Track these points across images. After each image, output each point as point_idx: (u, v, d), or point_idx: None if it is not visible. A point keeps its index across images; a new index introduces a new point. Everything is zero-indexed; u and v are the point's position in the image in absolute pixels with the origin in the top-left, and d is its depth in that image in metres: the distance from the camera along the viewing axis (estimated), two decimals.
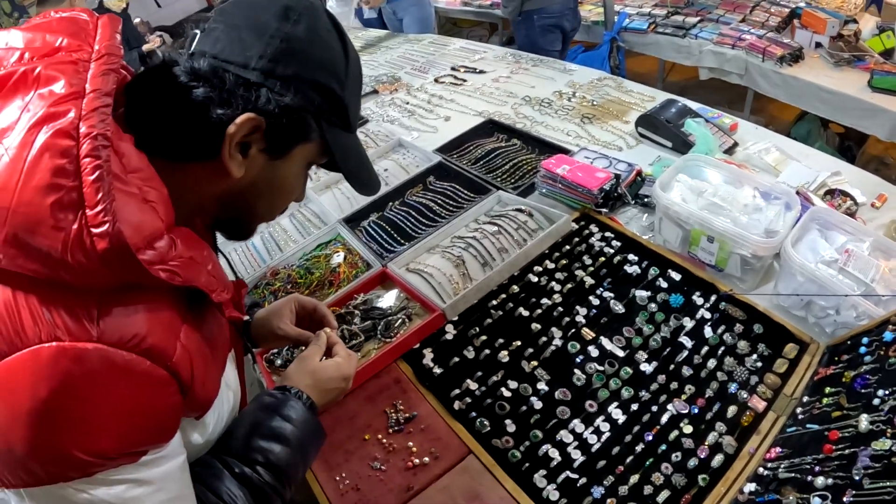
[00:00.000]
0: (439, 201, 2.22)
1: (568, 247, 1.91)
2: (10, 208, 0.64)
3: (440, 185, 2.31)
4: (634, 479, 1.35)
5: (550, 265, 1.86)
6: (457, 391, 1.56)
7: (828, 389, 1.38)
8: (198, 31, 0.84)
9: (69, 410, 0.67)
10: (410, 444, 1.46)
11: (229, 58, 0.80)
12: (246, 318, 1.32)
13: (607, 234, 1.94)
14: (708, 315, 1.67)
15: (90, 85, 0.69)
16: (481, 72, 3.35)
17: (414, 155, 2.58)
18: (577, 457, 1.40)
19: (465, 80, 3.26)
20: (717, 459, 1.36)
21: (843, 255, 1.62)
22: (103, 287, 0.70)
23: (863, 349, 1.40)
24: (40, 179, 0.64)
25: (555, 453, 1.41)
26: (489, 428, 1.47)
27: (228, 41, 0.82)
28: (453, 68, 3.45)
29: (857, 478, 1.09)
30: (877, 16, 4.06)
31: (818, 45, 3.90)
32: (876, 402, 1.21)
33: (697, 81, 4.27)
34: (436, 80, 3.34)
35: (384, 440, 1.48)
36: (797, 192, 1.98)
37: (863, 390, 1.28)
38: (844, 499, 1.07)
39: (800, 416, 1.38)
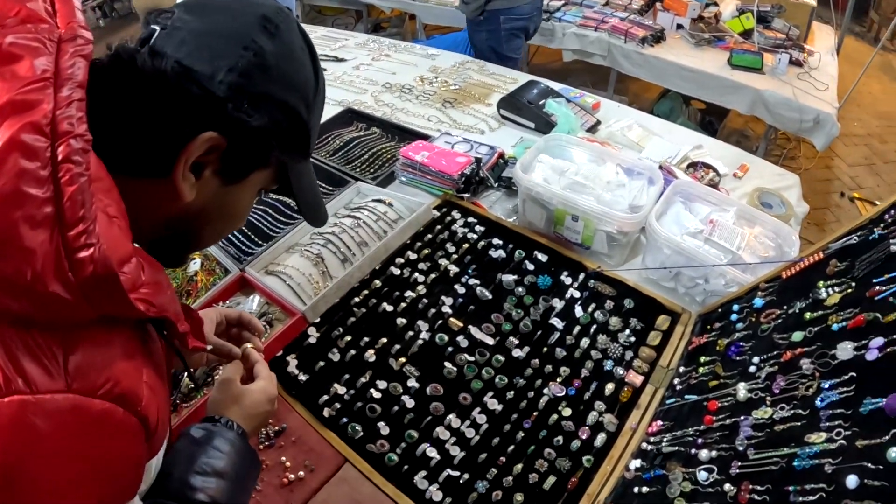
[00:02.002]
0: None
1: (430, 235, 1.91)
2: None
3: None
4: (518, 468, 1.36)
5: (413, 256, 1.85)
6: (325, 397, 1.51)
7: (703, 358, 1.45)
8: (157, 27, 0.74)
9: (37, 476, 0.58)
10: (283, 458, 1.40)
11: (194, 65, 0.72)
12: (209, 347, 1.20)
13: (470, 219, 1.96)
14: (577, 294, 1.72)
15: (62, 71, 0.59)
16: (342, 60, 3.31)
17: None
18: (457, 453, 1.40)
19: (324, 70, 3.18)
20: (600, 439, 1.40)
21: (707, 225, 1.71)
22: (73, 322, 0.61)
23: (734, 316, 1.48)
24: (4, 186, 0.54)
25: (433, 452, 1.40)
26: (362, 433, 1.44)
27: (196, 46, 0.73)
28: None
29: (741, 448, 1.13)
30: None
31: (679, 26, 4.16)
32: (752, 369, 1.27)
33: (562, 64, 4.42)
34: None
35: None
36: (660, 167, 2.09)
37: (737, 357, 1.35)
38: (731, 471, 1.11)
39: (678, 388, 1.45)
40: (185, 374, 1.48)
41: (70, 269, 0.57)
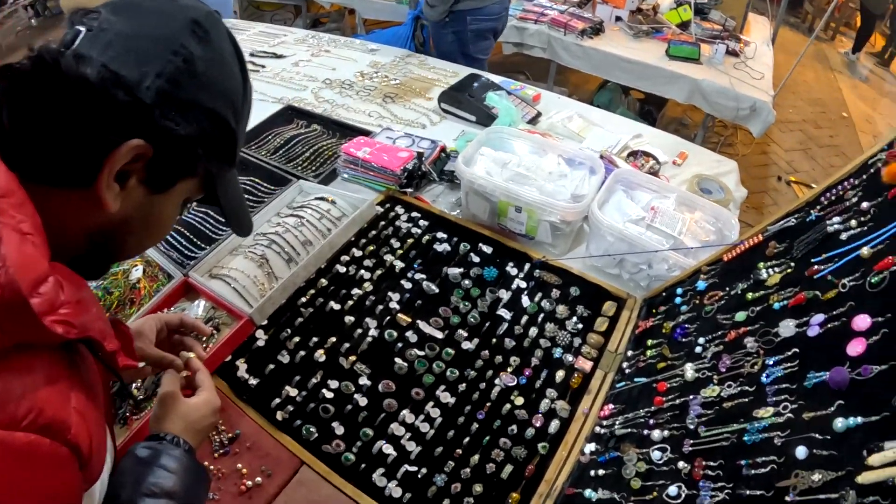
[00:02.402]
0: None
1: (374, 232, 1.91)
2: None
3: (239, 180, 2.21)
4: (475, 459, 1.38)
5: (358, 253, 1.85)
6: (277, 401, 1.50)
7: (650, 342, 1.49)
8: (82, 28, 0.71)
9: None
10: (239, 465, 1.37)
11: (121, 70, 0.68)
12: (142, 363, 1.16)
13: (414, 214, 1.97)
14: (523, 284, 1.75)
15: None
16: (281, 56, 3.27)
17: None
18: (413, 448, 1.40)
19: (263, 66, 3.16)
20: (554, 425, 1.43)
21: (649, 212, 1.76)
22: None
23: (678, 300, 1.53)
24: None
25: (389, 449, 1.40)
26: (317, 434, 1.43)
27: (123, 49, 0.70)
28: (252, 54, 3.33)
29: (692, 427, 1.17)
30: None
31: (618, 18, 4.27)
32: (698, 350, 1.32)
33: (502, 56, 4.47)
34: None
35: (212, 466, 1.38)
36: (601, 156, 2.13)
37: (683, 339, 1.40)
38: (684, 449, 1.15)
39: (627, 371, 1.49)
40: (125, 390, 1.44)
41: None
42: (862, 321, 0.96)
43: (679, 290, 1.56)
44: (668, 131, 2.73)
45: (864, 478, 0.78)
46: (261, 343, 1.62)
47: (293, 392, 1.51)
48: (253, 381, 1.54)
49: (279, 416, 1.47)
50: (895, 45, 8.88)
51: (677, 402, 1.25)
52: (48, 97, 0.66)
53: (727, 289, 1.39)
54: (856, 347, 0.94)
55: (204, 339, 1.57)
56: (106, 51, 0.69)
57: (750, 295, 1.29)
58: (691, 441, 1.14)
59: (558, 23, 4.08)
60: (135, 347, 1.11)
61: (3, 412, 0.57)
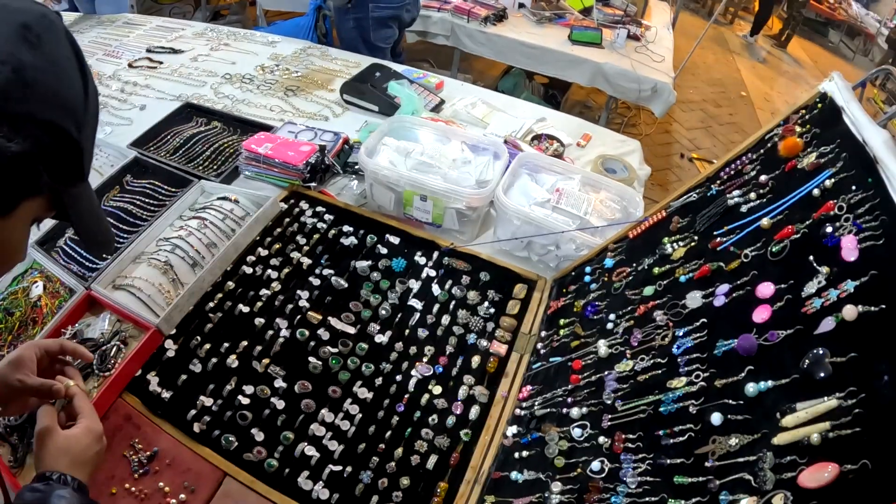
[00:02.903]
0: (139, 202, 2.03)
1: (279, 229, 1.88)
2: None
3: (138, 184, 2.12)
4: (399, 452, 1.38)
5: (263, 252, 1.81)
6: (193, 412, 1.45)
7: (562, 321, 1.52)
8: None
9: None
10: (161, 483, 1.33)
11: None
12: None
13: (319, 208, 1.94)
14: (433, 273, 1.75)
15: None
16: (178, 51, 3.15)
17: (107, 153, 2.33)
18: (336, 447, 1.39)
19: (160, 63, 3.04)
20: (474, 411, 1.45)
21: (554, 194, 1.79)
22: None
23: (587, 278, 1.57)
24: None
25: (311, 450, 1.38)
26: (237, 443, 1.40)
27: None
28: (149, 50, 3.20)
29: (609, 402, 1.20)
30: None
31: (521, 5, 4.33)
32: (609, 326, 1.35)
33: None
34: (129, 66, 3.06)
35: (133, 488, 1.33)
36: (505, 141, 2.16)
37: (595, 317, 1.43)
38: (603, 424, 1.18)
39: (542, 352, 1.51)
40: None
41: None
42: (765, 289, 1.02)
43: (588, 269, 1.60)
44: (572, 114, 2.79)
45: (780, 439, 0.83)
46: (171, 353, 1.57)
47: (208, 402, 1.47)
48: (166, 395, 1.49)
49: (196, 427, 1.43)
50: (791, 27, 9.40)
51: (593, 378, 1.29)
52: None
53: (634, 265, 1.44)
54: (761, 314, 1.00)
55: (90, 363, 1.50)
56: None
57: (657, 269, 1.34)
58: (609, 416, 1.18)
59: (461, 10, 4.10)
60: (17, 378, 1.08)
61: None
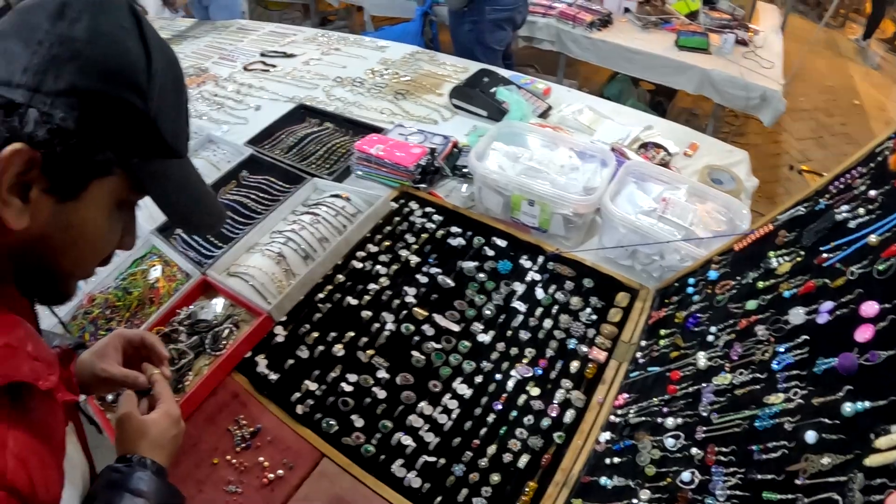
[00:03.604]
0: (254, 196, 2.16)
1: (389, 227, 1.94)
2: None
3: (254, 180, 2.24)
4: (492, 449, 1.40)
5: (373, 248, 1.88)
6: (297, 395, 1.53)
7: (662, 332, 1.50)
8: None
9: None
10: (261, 458, 1.41)
11: None
12: (81, 397, 1.14)
13: (428, 209, 1.99)
14: (538, 277, 1.77)
15: None
16: (291, 55, 3.30)
17: (224, 150, 2.49)
18: (431, 439, 1.43)
19: (274, 66, 3.19)
20: (569, 415, 1.45)
21: (660, 203, 1.77)
22: None
23: (690, 289, 1.54)
24: None
25: (408, 440, 1.43)
26: (337, 427, 1.46)
27: None
28: (262, 54, 3.37)
29: (704, 414, 1.18)
30: None
31: (627, 10, 4.25)
32: (710, 338, 1.33)
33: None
34: (245, 68, 3.24)
35: (234, 460, 1.42)
36: (612, 149, 2.14)
37: (696, 329, 1.41)
38: (697, 436, 1.16)
39: (640, 361, 1.50)
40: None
41: None
42: (870, 308, 0.97)
43: (691, 281, 1.57)
44: (678, 122, 2.73)
45: (872, 460, 0.80)
46: (280, 339, 1.66)
47: (313, 386, 1.54)
48: (273, 377, 1.58)
49: (299, 409, 1.50)
50: None
51: (690, 390, 1.27)
52: None
53: (738, 278, 1.40)
54: (864, 333, 0.95)
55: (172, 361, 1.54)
56: None
57: (761, 284, 1.30)
58: (704, 428, 1.16)
59: (567, 15, 4.08)
60: (101, 368, 1.11)
61: None
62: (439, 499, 1.33)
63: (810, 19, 8.45)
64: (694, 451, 1.14)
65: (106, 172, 0.72)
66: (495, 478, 1.35)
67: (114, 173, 0.73)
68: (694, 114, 4.62)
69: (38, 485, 0.65)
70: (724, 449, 1.09)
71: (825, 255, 1.16)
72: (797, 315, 1.12)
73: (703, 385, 1.24)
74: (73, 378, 0.88)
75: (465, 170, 2.11)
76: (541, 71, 4.68)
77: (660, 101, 4.48)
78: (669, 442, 1.20)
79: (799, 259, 1.25)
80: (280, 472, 1.39)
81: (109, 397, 1.58)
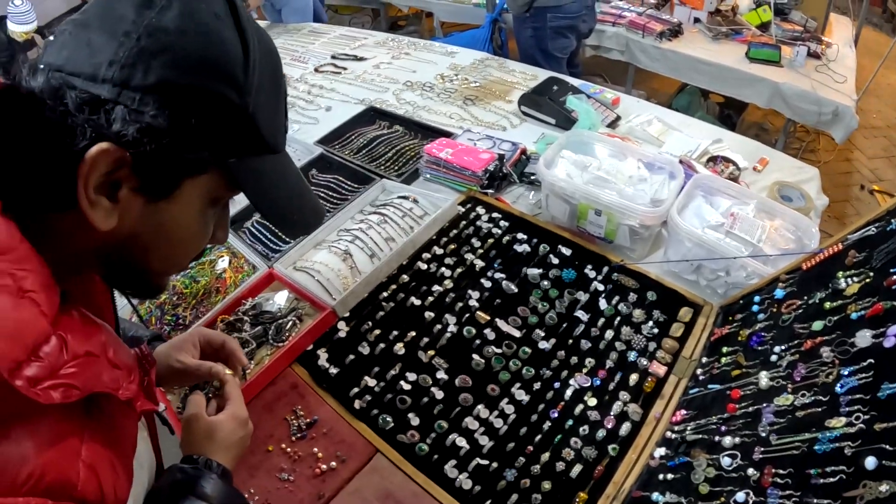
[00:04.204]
0: (322, 194, 2.20)
1: (455, 231, 1.94)
2: None
3: (323, 178, 2.28)
4: (545, 457, 1.39)
5: (439, 251, 1.88)
6: (356, 390, 1.55)
7: (725, 349, 1.47)
8: (51, 38, 0.63)
9: None
10: (315, 449, 1.43)
11: (75, 69, 0.59)
12: (161, 406, 1.13)
13: (494, 214, 1.99)
14: (601, 287, 1.75)
15: None
16: (361, 59, 3.35)
17: (295, 148, 2.54)
18: (486, 442, 1.43)
19: (345, 69, 3.25)
20: (625, 428, 1.43)
21: (728, 218, 1.73)
22: None
23: (755, 307, 1.50)
24: None
25: (462, 441, 1.43)
26: (393, 424, 1.47)
27: (75, 46, 0.60)
28: (333, 57, 3.42)
29: (763, 434, 1.15)
30: None
31: (697, 20, 4.16)
32: (773, 358, 1.29)
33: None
34: (316, 70, 3.30)
35: (288, 449, 1.45)
36: (680, 161, 2.10)
37: (759, 347, 1.37)
38: (754, 456, 1.14)
39: (700, 378, 1.47)
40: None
41: None
42: None
43: (756, 299, 1.53)
44: (747, 136, 2.67)
45: None
46: (342, 334, 1.68)
47: (371, 382, 1.56)
48: (333, 370, 1.60)
49: (357, 404, 1.52)
50: None
51: (750, 409, 1.24)
52: (10, 124, 0.58)
53: (805, 298, 1.36)
54: None
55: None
56: (60, 53, 0.61)
57: (828, 304, 1.26)
58: (762, 448, 1.13)
59: (636, 25, 4.03)
60: (177, 360, 1.11)
61: (2, 479, 0.52)
62: (489, 502, 1.33)
63: (885, 32, 8.09)
64: (750, 471, 1.12)
65: (200, 171, 0.68)
66: (546, 485, 1.34)
67: (208, 171, 0.68)
68: (764, 128, 4.49)
69: (107, 492, 0.63)
70: (781, 471, 1.06)
71: (895, 277, 1.12)
72: (864, 338, 1.09)
73: (764, 405, 1.21)
74: (153, 385, 0.85)
75: (532, 177, 2.10)
76: (609, 81, 4.63)
77: (729, 114, 4.37)
78: (726, 461, 1.17)
79: (868, 280, 1.21)
80: (333, 463, 1.41)
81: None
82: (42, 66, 0.60)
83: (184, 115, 0.62)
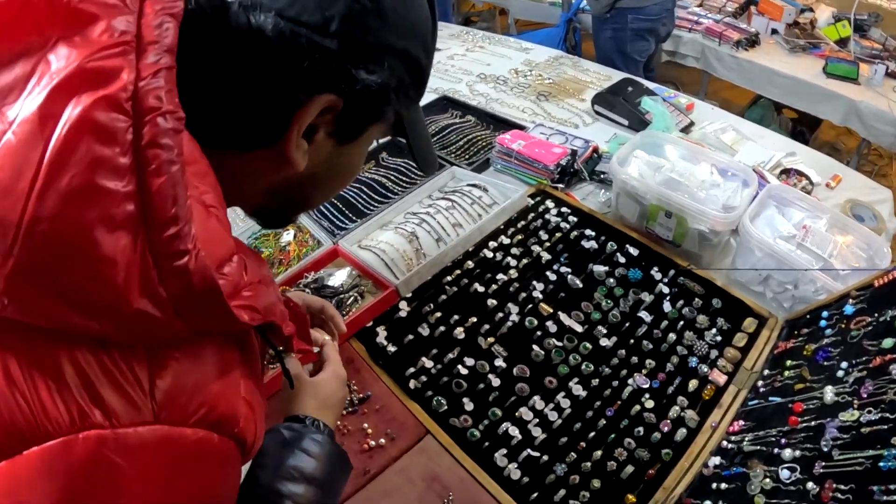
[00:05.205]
0: (392, 177, 2.20)
1: (523, 222, 1.92)
2: (22, 226, 0.41)
3: (393, 162, 2.29)
4: (597, 454, 1.37)
5: (506, 241, 1.86)
6: (412, 370, 1.54)
7: (788, 363, 1.43)
8: None
9: None
10: (366, 425, 1.43)
11: (301, 17, 0.57)
12: (315, 348, 1.12)
13: (563, 209, 1.96)
14: (666, 290, 1.71)
15: (146, 34, 0.46)
16: (436, 49, 3.34)
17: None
18: (538, 434, 1.41)
19: None
20: (680, 433, 1.40)
21: (800, 230, 1.68)
22: (160, 341, 0.51)
23: (823, 323, 1.46)
24: (74, 179, 0.42)
25: (515, 431, 1.41)
26: (446, 407, 1.46)
27: None
28: None
29: (825, 449, 1.12)
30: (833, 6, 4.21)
31: (774, 31, 4.03)
32: (840, 374, 1.26)
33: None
34: None
35: (339, 422, 1.43)
36: (753, 171, 2.04)
37: (825, 363, 1.33)
38: (814, 470, 1.10)
39: (761, 390, 1.43)
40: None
41: (160, 282, 0.46)
42: None
43: (825, 314, 1.48)
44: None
45: None
46: (403, 314, 1.67)
47: (429, 364, 1.55)
48: (391, 349, 1.59)
49: (412, 384, 1.51)
50: None
51: (812, 423, 1.21)
52: (217, 55, 0.57)
53: (876, 314, 1.32)
54: None
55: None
56: None
57: None
58: (823, 463, 1.10)
59: (713, 32, 3.92)
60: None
61: (173, 408, 0.50)
62: (535, 494, 1.31)
63: None
64: (810, 485, 1.09)
65: (384, 119, 0.72)
66: (595, 483, 1.32)
67: (387, 119, 0.72)
68: (836, 148, 4.33)
69: (259, 434, 0.63)
70: (842, 486, 1.03)
71: None
72: None
73: (828, 420, 1.17)
74: (307, 326, 0.89)
75: (602, 175, 2.07)
76: (682, 89, 4.53)
77: (802, 130, 4.23)
78: (784, 473, 1.14)
79: None
80: (382, 440, 1.40)
81: None
82: (257, 5, 0.57)
83: (392, 73, 0.65)
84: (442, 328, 1.63)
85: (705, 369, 1.52)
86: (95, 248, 0.43)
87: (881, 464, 1.00)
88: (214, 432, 0.54)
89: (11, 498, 0.44)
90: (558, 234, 1.88)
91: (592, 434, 1.41)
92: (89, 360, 0.47)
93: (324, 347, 1.12)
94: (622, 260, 1.79)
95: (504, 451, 1.38)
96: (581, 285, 1.73)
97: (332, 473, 0.92)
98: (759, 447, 1.26)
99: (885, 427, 1.05)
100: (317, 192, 0.78)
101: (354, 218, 2.03)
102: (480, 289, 1.73)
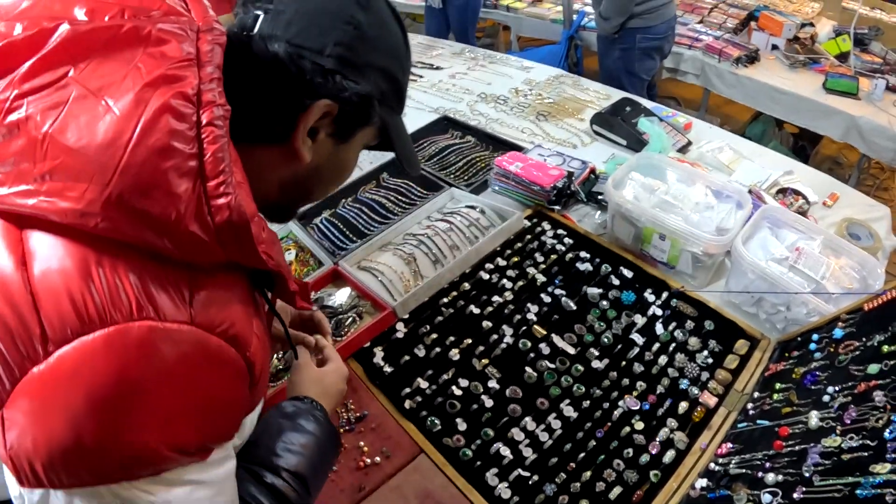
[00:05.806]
0: (392, 198, 2.22)
1: (520, 244, 1.94)
2: (119, 168, 0.59)
3: (393, 182, 2.31)
4: (586, 475, 1.37)
5: (502, 262, 1.88)
6: (407, 390, 1.56)
7: (778, 385, 1.42)
8: (260, 12, 0.80)
9: (157, 397, 0.63)
10: (361, 443, 1.45)
11: (305, 44, 0.78)
12: (315, 307, 1.32)
13: (559, 231, 1.97)
14: (659, 312, 1.71)
15: (203, 55, 0.67)
16: (437, 68, 3.35)
17: (365, 151, 2.56)
18: (529, 454, 1.42)
19: (421, 76, 3.26)
20: (669, 455, 1.40)
21: (793, 252, 1.67)
22: (203, 264, 0.68)
23: (813, 346, 1.45)
24: (157, 141, 0.60)
25: (506, 451, 1.42)
26: (440, 426, 1.48)
27: (303, 26, 0.79)
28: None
29: (807, 475, 1.12)
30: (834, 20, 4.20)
31: (774, 47, 4.01)
32: (826, 399, 1.25)
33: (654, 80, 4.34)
34: None
35: None
36: (749, 191, 2.04)
37: (813, 387, 1.33)
38: (794, 495, 1.10)
39: (750, 412, 1.43)
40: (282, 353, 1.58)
41: (209, 214, 0.63)
42: None
43: (815, 337, 1.48)
44: (821, 169, 2.56)
45: None
46: (399, 335, 1.69)
47: (424, 384, 1.57)
48: (387, 369, 1.62)
49: (407, 404, 1.53)
50: None
51: (796, 448, 1.20)
52: (244, 72, 0.76)
53: (864, 339, 1.32)
54: None
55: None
56: (288, 29, 0.78)
57: (886, 348, 1.22)
58: (804, 488, 1.10)
59: (713, 49, 3.91)
60: (273, 326, 1.17)
61: (205, 316, 0.66)
62: None
63: None
64: None
65: (370, 124, 0.88)
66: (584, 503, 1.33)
67: (373, 125, 0.88)
68: (838, 162, 4.30)
69: (264, 369, 0.78)
70: None
71: None
72: None
73: (811, 445, 1.17)
74: (308, 290, 1.04)
75: (599, 196, 2.07)
76: (682, 106, 4.53)
77: (803, 145, 4.20)
78: (766, 498, 1.15)
79: None
80: (377, 458, 1.42)
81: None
82: (271, 36, 0.77)
83: (375, 85, 0.84)
84: (437, 349, 1.65)
85: (696, 391, 1.52)
86: (168, 186, 0.61)
87: (858, 491, 1.00)
88: (232, 346, 0.69)
89: (82, 370, 0.59)
90: (553, 256, 1.89)
91: (582, 455, 1.42)
92: (149, 269, 0.63)
93: (325, 350, 1.23)
94: (616, 282, 1.80)
95: (495, 470, 1.39)
96: (575, 307, 1.74)
97: (325, 447, 1.03)
98: (744, 470, 1.26)
99: (866, 454, 1.05)
100: (319, 186, 0.94)
101: (355, 238, 2.04)
102: (476, 310, 1.74)
